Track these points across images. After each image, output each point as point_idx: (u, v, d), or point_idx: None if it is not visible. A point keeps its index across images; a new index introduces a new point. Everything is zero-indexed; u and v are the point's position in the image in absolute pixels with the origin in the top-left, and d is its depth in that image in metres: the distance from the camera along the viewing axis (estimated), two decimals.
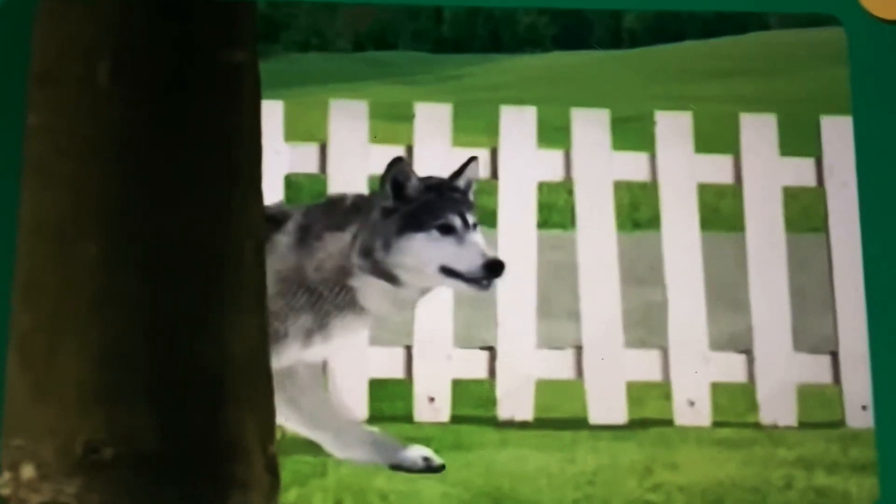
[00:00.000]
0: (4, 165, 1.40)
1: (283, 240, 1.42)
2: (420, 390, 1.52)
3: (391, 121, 1.56)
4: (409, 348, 1.53)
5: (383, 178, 1.42)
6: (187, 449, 1.23)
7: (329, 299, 1.41)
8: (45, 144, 1.26)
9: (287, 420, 1.41)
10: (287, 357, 1.41)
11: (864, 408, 1.46)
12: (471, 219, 1.41)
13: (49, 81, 1.26)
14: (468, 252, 1.39)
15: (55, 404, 1.23)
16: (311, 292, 1.42)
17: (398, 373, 1.50)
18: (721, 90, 1.64)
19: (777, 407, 1.51)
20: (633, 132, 1.58)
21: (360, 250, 1.41)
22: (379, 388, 1.49)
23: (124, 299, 1.23)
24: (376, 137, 1.55)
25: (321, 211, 1.45)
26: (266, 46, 1.56)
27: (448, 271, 1.40)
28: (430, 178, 1.44)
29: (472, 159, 1.45)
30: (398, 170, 1.42)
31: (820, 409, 1.50)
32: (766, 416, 1.50)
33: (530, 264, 1.53)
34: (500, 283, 1.52)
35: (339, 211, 1.44)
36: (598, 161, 1.57)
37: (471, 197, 1.44)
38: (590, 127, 1.57)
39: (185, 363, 1.24)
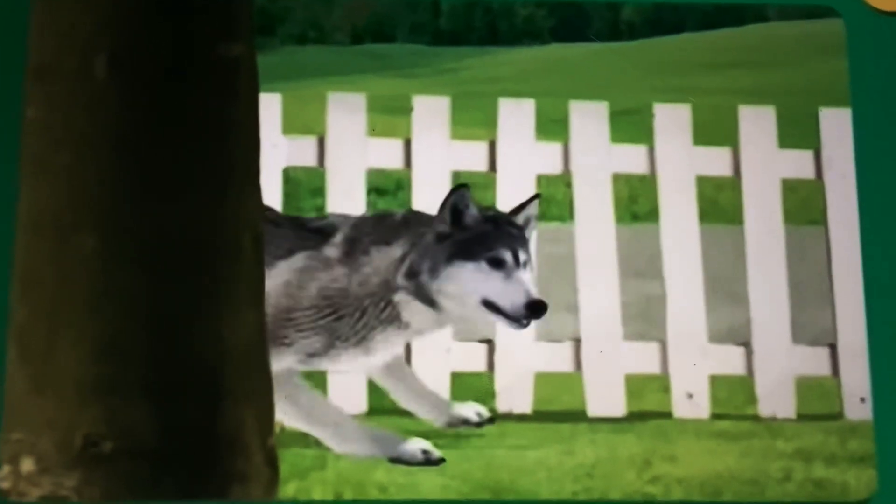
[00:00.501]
0: (2, 160, 1.40)
1: (331, 253, 1.43)
2: None
3: (389, 114, 1.56)
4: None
5: (443, 203, 1.44)
6: (186, 442, 1.23)
7: (373, 314, 1.42)
8: (42, 138, 1.26)
9: (286, 415, 1.42)
10: (278, 365, 1.41)
11: (862, 400, 1.46)
12: (522, 256, 1.42)
13: (46, 76, 1.26)
14: (513, 289, 1.40)
15: (54, 398, 1.23)
16: (352, 308, 1.42)
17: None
18: (720, 82, 1.64)
19: (775, 399, 1.51)
20: (631, 125, 1.58)
21: (406, 271, 1.42)
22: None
23: (122, 293, 1.23)
24: (374, 130, 1.55)
25: (370, 225, 1.46)
26: (263, 39, 1.56)
27: (490, 305, 1.41)
28: (489, 209, 1.46)
29: (535, 197, 1.47)
30: (459, 197, 1.43)
31: (818, 402, 1.50)
32: (764, 408, 1.50)
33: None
34: None
35: (388, 225, 1.46)
36: (596, 153, 1.57)
37: (527, 234, 1.45)
38: (588, 119, 1.57)
39: (184, 357, 1.24)
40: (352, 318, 1.42)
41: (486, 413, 1.44)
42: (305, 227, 1.46)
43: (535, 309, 1.40)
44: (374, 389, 1.49)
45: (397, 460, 1.41)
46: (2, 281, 1.31)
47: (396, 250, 1.43)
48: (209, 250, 1.25)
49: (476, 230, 1.43)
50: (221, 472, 1.24)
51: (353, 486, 1.38)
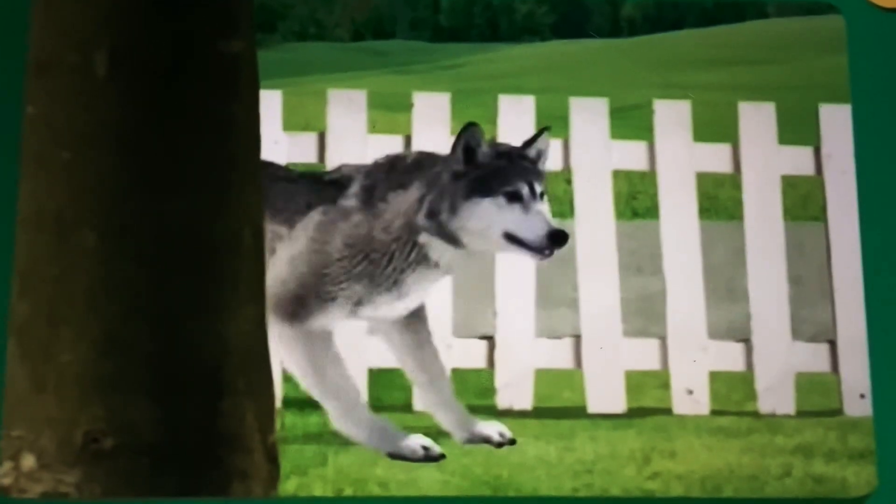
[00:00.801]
0: (2, 156, 1.40)
1: (349, 204, 1.44)
2: None
3: (390, 110, 1.56)
4: None
5: (455, 142, 1.44)
6: (187, 439, 1.23)
7: (401, 257, 1.43)
8: (42, 135, 1.26)
9: (304, 378, 1.42)
10: (325, 321, 1.42)
11: (862, 396, 1.46)
12: (538, 188, 1.43)
13: (46, 72, 1.26)
14: (533, 221, 1.41)
15: (54, 395, 1.23)
16: (379, 254, 1.43)
17: (397, 362, 1.50)
18: (719, 79, 1.64)
19: (775, 395, 1.51)
20: (631, 121, 1.58)
21: (426, 212, 1.43)
22: (378, 378, 1.49)
23: (123, 289, 1.23)
24: (375, 127, 1.55)
25: (383, 171, 1.47)
26: (264, 36, 1.56)
27: (511, 238, 1.42)
28: (501, 144, 1.46)
29: (545, 129, 1.47)
30: (470, 135, 1.44)
31: (818, 398, 1.50)
32: (764, 404, 1.50)
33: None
34: (499, 273, 1.52)
35: (401, 169, 1.46)
36: (596, 150, 1.56)
37: (541, 167, 1.45)
38: (588, 116, 1.56)
39: (184, 353, 1.24)
40: (381, 264, 1.43)
41: (508, 434, 1.44)
42: (321, 182, 1.47)
43: (557, 238, 1.40)
44: (374, 383, 1.49)
45: (397, 456, 1.41)
46: (2, 278, 1.30)
47: (413, 192, 1.44)
48: (210, 247, 1.25)
49: (491, 166, 1.44)
50: (222, 468, 1.24)
51: (353, 483, 1.38)
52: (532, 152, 1.47)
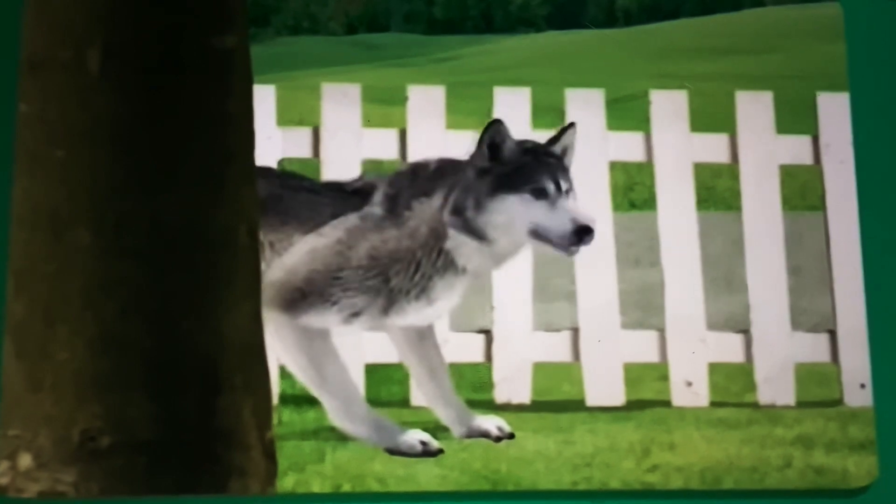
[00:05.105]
0: None
1: (375, 212, 1.44)
2: None
3: (384, 104, 1.56)
4: None
5: (480, 138, 1.44)
6: (184, 436, 1.24)
7: (428, 263, 1.43)
8: (36, 133, 1.26)
9: (302, 373, 1.42)
10: (319, 321, 1.42)
11: (862, 386, 1.46)
12: (564, 185, 1.43)
13: (39, 69, 1.26)
14: (559, 217, 1.42)
15: (51, 393, 1.23)
16: (405, 262, 1.43)
17: (395, 357, 1.50)
18: (717, 68, 1.63)
19: (775, 386, 1.50)
20: (628, 112, 1.57)
21: (451, 208, 1.43)
22: (376, 373, 1.49)
23: (118, 286, 1.23)
24: (370, 121, 1.55)
25: (406, 179, 1.47)
26: (257, 30, 1.55)
27: (537, 234, 1.42)
28: (526, 141, 1.46)
29: (570, 126, 1.47)
30: (495, 131, 1.44)
31: (818, 388, 1.50)
32: (764, 395, 1.50)
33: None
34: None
35: (424, 177, 1.46)
36: (593, 141, 1.56)
37: (566, 163, 1.46)
38: (584, 107, 1.56)
39: (181, 349, 1.24)
40: (407, 272, 1.43)
41: (506, 428, 1.44)
42: (344, 191, 1.47)
43: (582, 234, 1.41)
44: (371, 379, 1.48)
45: (396, 451, 1.41)
46: None
47: (437, 199, 1.44)
48: (205, 243, 1.25)
49: (516, 163, 1.44)
50: (219, 465, 1.24)
51: (351, 479, 1.38)
52: (558, 149, 1.47)
